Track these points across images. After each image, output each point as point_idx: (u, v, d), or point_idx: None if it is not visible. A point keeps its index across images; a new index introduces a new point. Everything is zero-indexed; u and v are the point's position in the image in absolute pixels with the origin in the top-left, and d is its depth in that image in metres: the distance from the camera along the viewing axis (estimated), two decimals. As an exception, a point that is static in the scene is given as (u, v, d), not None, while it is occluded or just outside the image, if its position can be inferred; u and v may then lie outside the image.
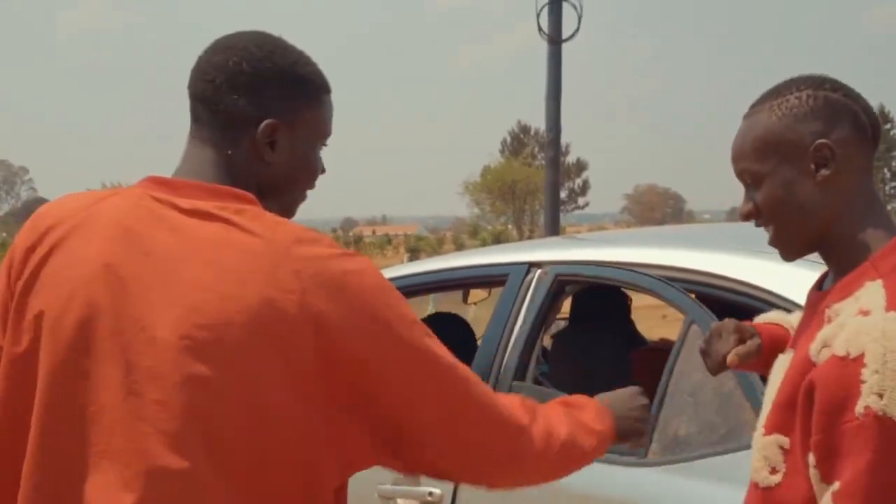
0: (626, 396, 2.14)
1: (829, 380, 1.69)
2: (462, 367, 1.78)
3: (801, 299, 2.73)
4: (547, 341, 4.58)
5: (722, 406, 2.66)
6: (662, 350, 4.66)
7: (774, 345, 2.08)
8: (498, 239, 56.54)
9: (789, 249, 1.89)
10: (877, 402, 1.64)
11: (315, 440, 1.66)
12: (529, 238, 48.63)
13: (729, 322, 2.10)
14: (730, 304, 2.91)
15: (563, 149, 56.52)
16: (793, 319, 2.14)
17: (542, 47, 16.14)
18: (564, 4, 15.94)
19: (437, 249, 54.82)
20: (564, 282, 3.44)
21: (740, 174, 1.88)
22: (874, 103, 2.01)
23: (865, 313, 1.71)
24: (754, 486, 1.84)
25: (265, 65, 1.78)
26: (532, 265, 3.47)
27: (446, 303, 9.95)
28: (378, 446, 1.73)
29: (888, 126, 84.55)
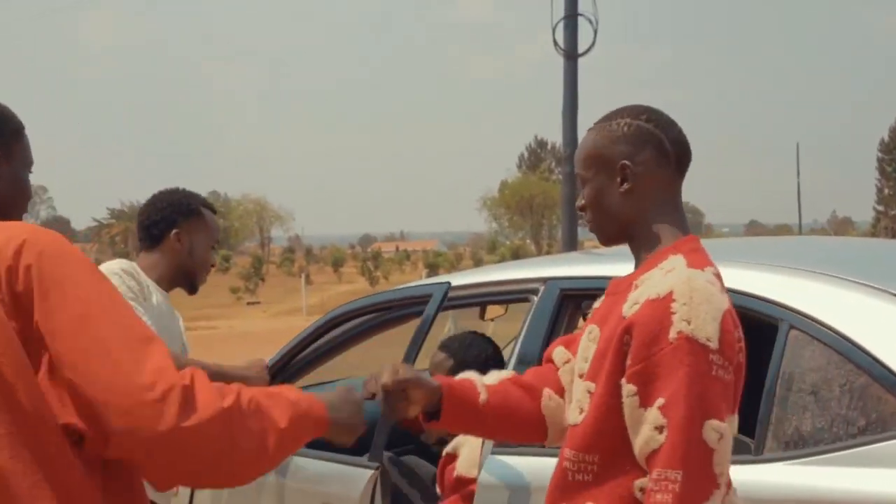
0: (341, 394, 2.36)
1: (645, 318, 2.14)
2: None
3: (818, 313, 2.78)
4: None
5: (856, 400, 2.73)
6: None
7: (452, 388, 2.52)
8: (516, 254, 56.48)
9: (601, 238, 2.42)
10: (686, 327, 2.08)
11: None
12: (548, 253, 48.54)
13: (389, 365, 2.52)
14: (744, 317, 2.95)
15: (581, 163, 56.33)
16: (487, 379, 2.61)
17: (559, 60, 16.14)
18: (580, 19, 15.94)
19: (455, 265, 54.75)
20: (570, 297, 3.51)
21: (577, 176, 2.42)
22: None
23: (670, 271, 2.20)
24: (570, 427, 2.31)
25: None
26: (544, 281, 3.55)
27: (464, 320, 9.95)
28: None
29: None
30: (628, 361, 2.15)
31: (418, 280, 5.02)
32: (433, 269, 45.31)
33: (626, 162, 2.29)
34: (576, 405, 2.31)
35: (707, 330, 2.09)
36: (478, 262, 56.31)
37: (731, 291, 3.03)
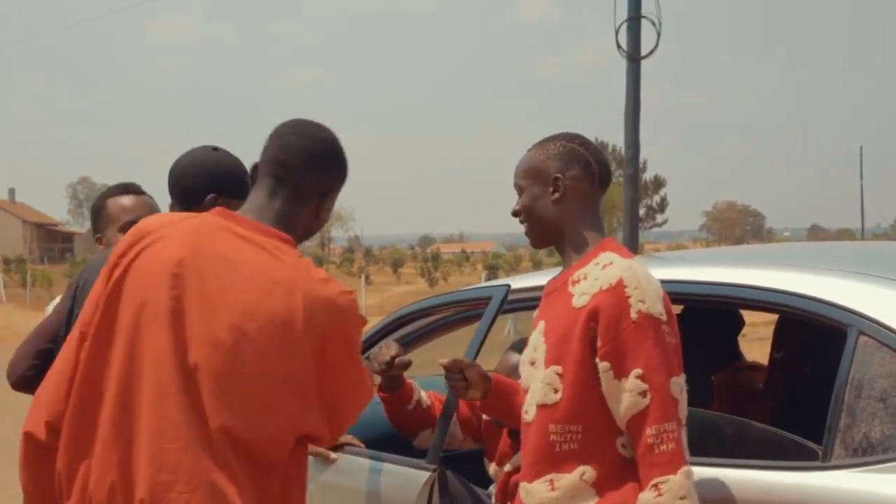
0: None
1: (606, 303, 2.59)
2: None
3: (888, 318, 2.76)
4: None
5: None
6: (751, 370, 4.60)
7: (501, 379, 3.24)
8: (576, 256, 55.90)
9: (534, 241, 2.92)
10: (643, 307, 2.57)
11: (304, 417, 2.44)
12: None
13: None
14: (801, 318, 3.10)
15: (641, 165, 56.06)
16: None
17: (619, 62, 16.07)
18: (643, 21, 15.85)
19: (514, 267, 54.66)
20: None
21: (515, 185, 2.89)
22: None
23: (608, 265, 2.67)
24: (541, 407, 2.69)
25: (330, 152, 2.59)
26: None
27: (524, 323, 9.93)
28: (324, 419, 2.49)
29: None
30: (598, 343, 2.60)
31: (479, 282, 5.04)
32: (492, 271, 45.25)
33: (558, 175, 2.79)
34: (544, 388, 2.69)
35: (657, 306, 2.59)
36: (537, 265, 56.17)
37: (799, 297, 3.02)
